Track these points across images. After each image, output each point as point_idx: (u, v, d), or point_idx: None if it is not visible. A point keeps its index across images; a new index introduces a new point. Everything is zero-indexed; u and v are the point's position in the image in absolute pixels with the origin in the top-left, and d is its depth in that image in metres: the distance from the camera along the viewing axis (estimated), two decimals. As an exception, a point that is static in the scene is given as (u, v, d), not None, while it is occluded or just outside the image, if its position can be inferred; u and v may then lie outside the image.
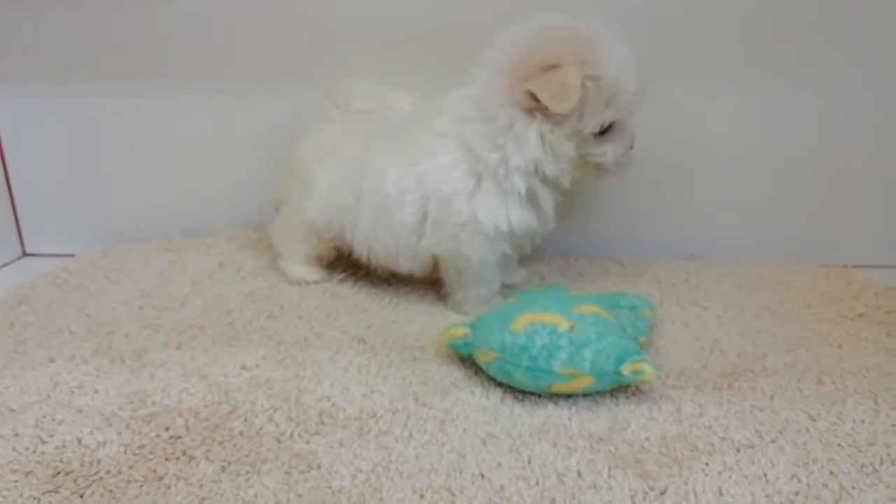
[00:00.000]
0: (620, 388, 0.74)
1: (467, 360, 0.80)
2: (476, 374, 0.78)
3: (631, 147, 0.89)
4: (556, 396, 0.73)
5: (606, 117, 0.83)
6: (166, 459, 0.63)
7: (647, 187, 1.13)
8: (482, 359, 0.75)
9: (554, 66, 0.79)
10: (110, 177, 1.18)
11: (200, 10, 1.09)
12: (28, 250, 1.22)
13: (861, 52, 1.07)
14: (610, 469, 0.62)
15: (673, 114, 1.11)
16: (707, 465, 0.63)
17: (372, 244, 0.93)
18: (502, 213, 0.86)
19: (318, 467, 0.62)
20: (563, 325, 0.72)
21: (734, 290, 1.01)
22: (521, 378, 0.72)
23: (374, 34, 1.09)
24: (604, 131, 0.85)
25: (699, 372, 0.80)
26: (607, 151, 0.86)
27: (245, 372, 0.76)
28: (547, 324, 0.73)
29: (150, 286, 0.97)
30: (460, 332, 0.78)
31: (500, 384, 0.76)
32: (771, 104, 1.10)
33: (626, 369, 0.70)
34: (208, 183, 1.18)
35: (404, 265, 0.94)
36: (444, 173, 0.86)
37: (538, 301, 0.78)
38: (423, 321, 0.91)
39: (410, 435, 0.67)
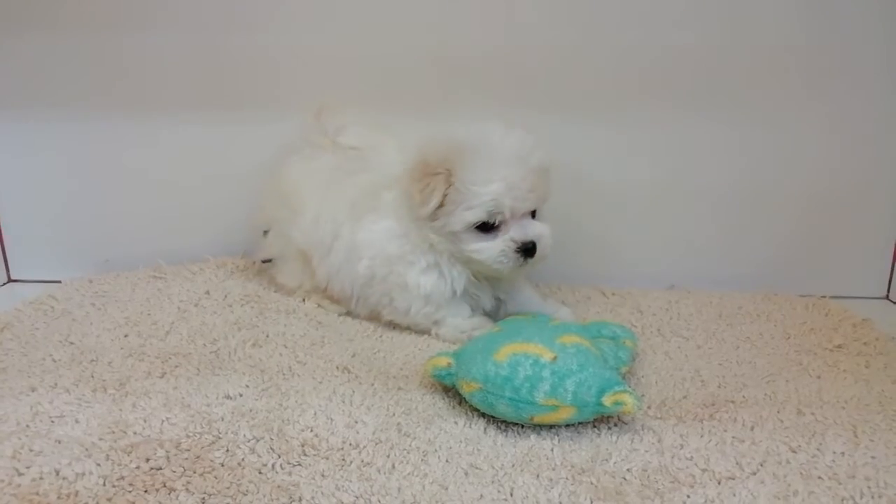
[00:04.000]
0: (602, 419, 0.75)
1: (451, 390, 0.80)
2: (459, 404, 0.78)
3: (523, 248, 0.90)
4: (538, 427, 0.73)
5: (469, 218, 0.89)
6: (146, 491, 0.62)
7: (629, 218, 1.15)
8: (466, 389, 0.76)
9: (428, 174, 0.89)
10: (97, 204, 1.18)
11: (191, 40, 1.10)
12: (13, 276, 1.22)
13: (842, 90, 1.10)
14: (592, 501, 0.63)
15: (654, 147, 1.13)
16: (688, 497, 0.63)
17: (333, 282, 1.00)
18: (430, 281, 0.94)
19: (300, 500, 0.62)
20: (546, 356, 0.73)
21: (714, 321, 1.02)
22: (503, 409, 0.72)
23: (367, 68, 1.11)
24: (487, 229, 0.90)
25: (680, 402, 0.80)
26: (482, 249, 0.90)
27: (228, 401, 0.76)
28: (530, 354, 0.73)
29: (135, 314, 0.97)
30: (444, 361, 0.79)
31: (483, 414, 0.76)
32: (751, 139, 1.12)
33: (607, 400, 0.70)
34: (196, 211, 1.19)
35: (356, 309, 1.01)
36: (389, 236, 0.95)
37: (521, 331, 0.78)
38: (408, 350, 0.91)
39: (393, 466, 0.67)
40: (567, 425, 0.74)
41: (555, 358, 0.73)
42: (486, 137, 0.91)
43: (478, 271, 0.95)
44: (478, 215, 0.89)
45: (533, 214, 0.93)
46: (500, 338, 0.78)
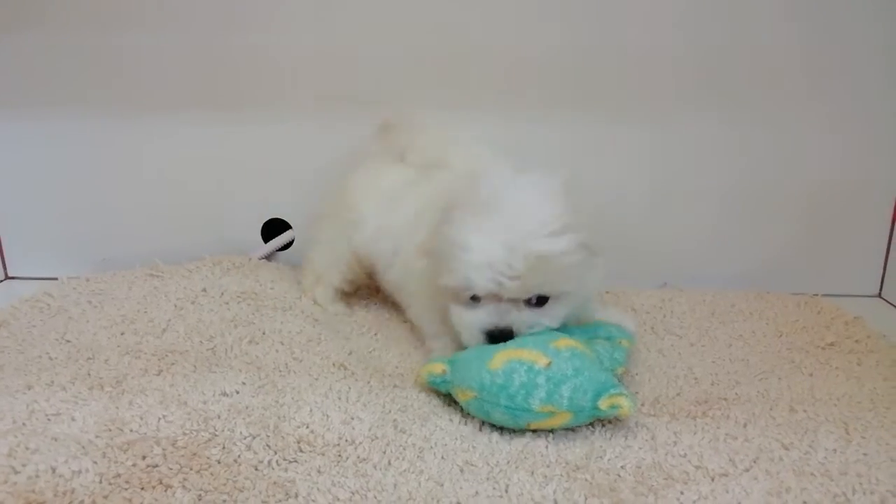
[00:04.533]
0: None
1: (446, 389, 0.81)
2: (455, 401, 0.79)
3: (490, 333, 0.77)
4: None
5: (444, 279, 0.78)
6: (142, 489, 0.62)
7: (623, 217, 1.16)
8: (461, 397, 0.76)
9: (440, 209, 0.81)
10: (95, 202, 1.18)
11: (189, 39, 1.10)
12: (10, 273, 1.22)
13: (835, 90, 1.11)
14: (586, 498, 0.63)
15: (648, 147, 1.14)
16: (682, 493, 0.64)
17: (396, 294, 0.98)
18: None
19: (296, 496, 0.62)
20: (541, 361, 0.72)
21: (707, 319, 1.03)
22: (500, 417, 0.72)
23: (368, 67, 1.11)
24: (473, 297, 0.78)
25: (674, 399, 0.81)
26: (454, 314, 0.80)
27: (224, 398, 0.76)
28: (524, 361, 0.72)
29: (132, 311, 0.96)
30: (438, 368, 0.78)
31: (478, 412, 0.76)
32: (746, 140, 1.13)
33: (603, 404, 0.71)
34: (194, 210, 1.19)
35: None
36: None
37: (517, 340, 0.77)
38: (404, 348, 0.92)
39: (389, 462, 0.67)
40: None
41: (549, 364, 0.72)
42: (498, 190, 0.77)
43: None
44: (449, 282, 0.77)
45: (542, 300, 0.77)
46: (498, 345, 0.77)
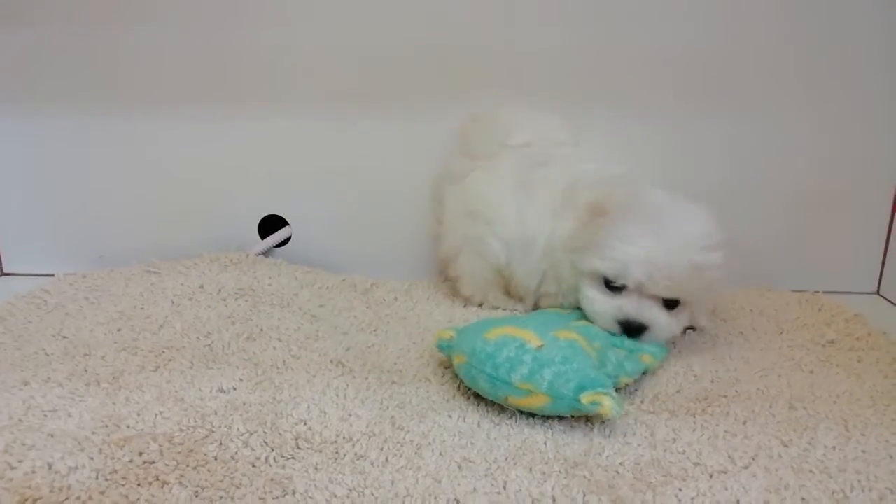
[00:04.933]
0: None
1: (445, 384, 0.81)
2: (453, 397, 0.79)
3: (625, 324, 0.86)
4: (531, 420, 0.74)
5: (595, 265, 0.86)
6: (139, 485, 0.62)
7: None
8: (456, 361, 0.78)
9: (592, 211, 0.89)
10: (92, 199, 1.18)
11: (188, 36, 1.10)
12: (7, 270, 1.21)
13: (833, 86, 1.11)
14: (584, 494, 0.63)
15: (646, 143, 1.13)
16: (680, 490, 0.63)
17: (524, 280, 1.01)
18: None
19: (293, 492, 0.62)
20: (534, 342, 0.74)
21: (708, 315, 1.02)
22: (483, 385, 0.74)
23: (369, 66, 1.10)
24: (613, 287, 0.86)
25: (673, 397, 0.81)
26: (592, 300, 0.87)
27: (222, 395, 0.75)
28: (517, 338, 0.74)
29: (129, 308, 0.96)
30: (447, 334, 0.82)
31: (476, 408, 0.76)
32: (744, 135, 1.13)
33: (585, 398, 0.70)
34: (192, 207, 1.18)
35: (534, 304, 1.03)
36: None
37: (528, 319, 0.81)
38: (402, 344, 0.91)
39: (387, 459, 0.67)
40: (559, 418, 0.74)
41: (541, 346, 0.73)
42: (660, 201, 0.87)
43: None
44: (602, 268, 0.85)
45: (674, 303, 0.86)
46: (503, 321, 0.80)
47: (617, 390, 0.76)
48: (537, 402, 0.72)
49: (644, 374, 0.84)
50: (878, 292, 1.20)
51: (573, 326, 0.83)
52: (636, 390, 0.82)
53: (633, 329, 0.85)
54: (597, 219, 0.88)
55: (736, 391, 0.82)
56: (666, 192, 0.89)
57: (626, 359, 0.82)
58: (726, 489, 0.63)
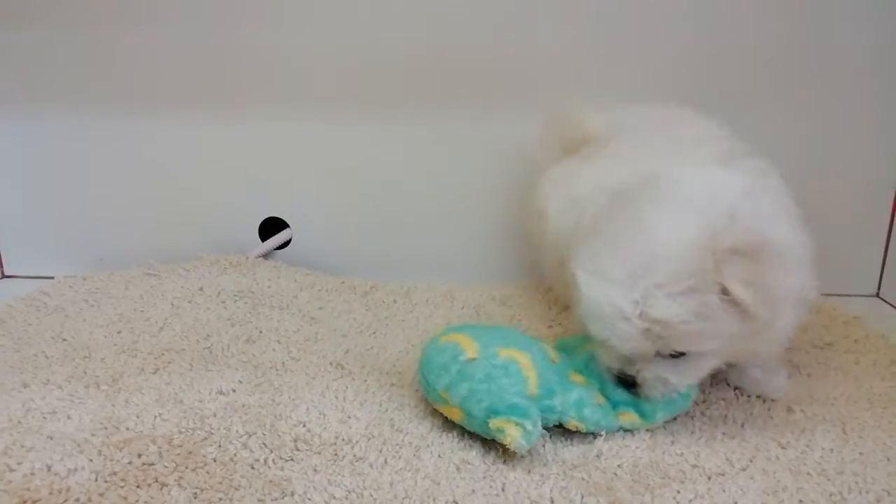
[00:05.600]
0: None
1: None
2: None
3: (619, 375, 0.71)
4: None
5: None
6: (138, 487, 0.62)
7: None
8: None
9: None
10: (93, 201, 1.18)
11: (187, 36, 1.10)
12: (7, 272, 1.21)
13: (832, 88, 1.11)
14: (583, 497, 0.63)
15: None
16: (678, 492, 0.64)
17: None
18: None
19: (292, 494, 0.62)
20: (469, 354, 0.71)
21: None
22: (422, 386, 0.74)
23: (363, 60, 1.10)
24: None
25: (672, 399, 0.81)
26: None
27: (221, 397, 0.76)
28: (459, 347, 0.72)
29: (129, 310, 0.96)
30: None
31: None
32: (741, 138, 1.12)
33: (492, 423, 0.67)
34: (192, 209, 1.18)
35: None
36: None
37: (487, 332, 0.76)
38: (402, 346, 0.92)
39: (385, 461, 0.67)
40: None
41: (472, 359, 0.70)
42: (640, 222, 0.66)
43: None
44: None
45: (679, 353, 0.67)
46: (466, 328, 0.77)
47: (560, 426, 0.71)
48: (455, 415, 0.71)
49: (625, 431, 0.73)
50: (878, 295, 1.19)
51: (558, 347, 0.77)
52: (544, 435, 0.72)
53: (625, 382, 0.71)
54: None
55: (734, 394, 0.82)
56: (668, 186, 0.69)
57: (600, 408, 0.71)
58: (724, 491, 0.64)
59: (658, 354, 0.67)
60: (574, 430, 0.71)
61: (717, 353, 0.68)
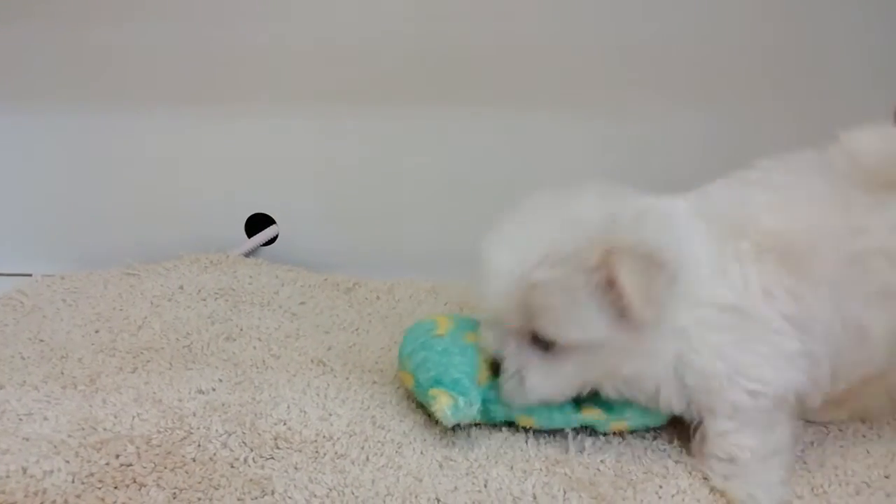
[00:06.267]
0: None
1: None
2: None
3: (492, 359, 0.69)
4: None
5: None
6: (115, 488, 0.62)
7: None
8: None
9: None
10: (71, 197, 1.16)
11: (168, 31, 1.08)
12: (-16, 270, 1.20)
13: (819, 83, 1.11)
14: (565, 492, 0.63)
15: (635, 142, 1.13)
16: (661, 487, 0.64)
17: None
18: None
19: (272, 493, 0.62)
20: (441, 329, 0.74)
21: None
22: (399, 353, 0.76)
23: (350, 55, 1.09)
24: None
25: (655, 394, 0.81)
26: None
27: (200, 396, 0.75)
28: (434, 323, 0.75)
29: (107, 309, 0.95)
30: None
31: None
32: (727, 134, 1.13)
33: (431, 391, 0.68)
34: (174, 205, 1.17)
35: None
36: None
37: (465, 321, 0.76)
38: (384, 344, 0.91)
39: (367, 458, 0.67)
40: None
41: (441, 335, 0.73)
42: (541, 205, 0.69)
43: None
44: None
45: (548, 344, 0.64)
46: (454, 315, 0.79)
47: (511, 424, 0.71)
48: (407, 381, 0.73)
49: (591, 429, 0.71)
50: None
51: None
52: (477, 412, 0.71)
53: (494, 366, 0.68)
54: None
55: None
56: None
57: (556, 405, 0.69)
58: (706, 486, 0.64)
59: (529, 340, 0.65)
60: (527, 426, 0.70)
61: (584, 360, 0.64)
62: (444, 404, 0.66)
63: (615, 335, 0.62)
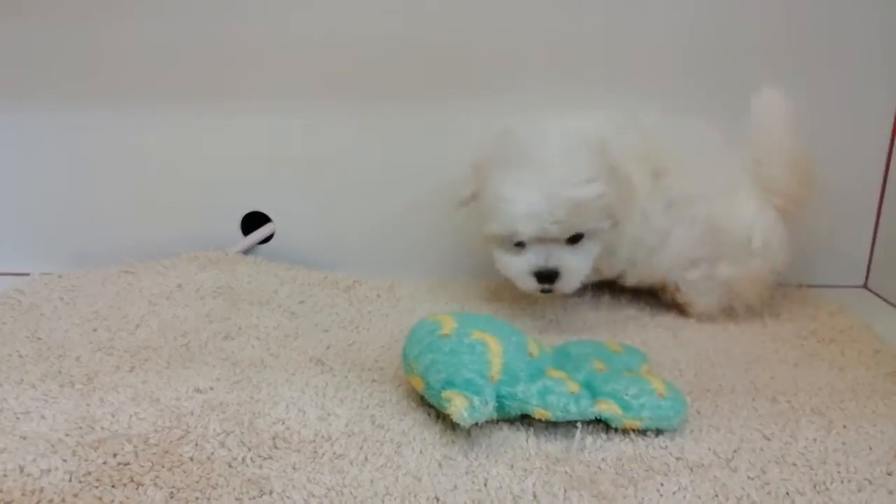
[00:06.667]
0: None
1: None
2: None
3: (540, 273, 0.88)
4: (511, 418, 0.72)
5: (490, 229, 0.89)
6: (113, 487, 0.61)
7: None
8: None
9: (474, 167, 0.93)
10: (68, 196, 1.16)
11: (163, 26, 1.08)
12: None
13: (821, 78, 1.10)
14: (566, 490, 0.62)
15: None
16: (662, 485, 0.63)
17: None
18: None
19: (270, 492, 0.61)
20: (444, 330, 0.73)
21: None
22: (402, 357, 0.76)
23: (348, 52, 1.09)
24: (519, 244, 0.89)
25: (656, 391, 0.80)
26: (507, 264, 0.91)
27: (198, 395, 0.74)
28: (437, 323, 0.74)
29: (105, 308, 0.95)
30: None
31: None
32: (729, 126, 1.12)
33: (444, 393, 0.68)
34: (171, 203, 1.16)
35: None
36: None
37: (471, 316, 0.78)
38: (384, 342, 0.90)
39: (366, 458, 0.66)
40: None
41: (447, 335, 0.72)
42: (531, 146, 0.88)
43: None
44: (495, 230, 0.88)
45: (577, 238, 0.88)
46: (454, 313, 0.78)
47: (511, 422, 0.71)
48: (417, 384, 0.72)
49: (606, 423, 0.71)
50: (865, 286, 1.19)
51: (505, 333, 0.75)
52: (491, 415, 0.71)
53: (548, 276, 0.87)
54: (480, 177, 0.90)
55: (720, 385, 0.82)
56: (536, 126, 0.90)
57: (570, 395, 0.69)
58: (708, 483, 0.63)
59: (563, 242, 0.88)
60: (543, 419, 0.69)
61: (599, 235, 0.89)
62: (459, 406, 0.65)
63: (621, 206, 0.90)
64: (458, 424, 0.68)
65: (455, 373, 0.68)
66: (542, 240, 0.87)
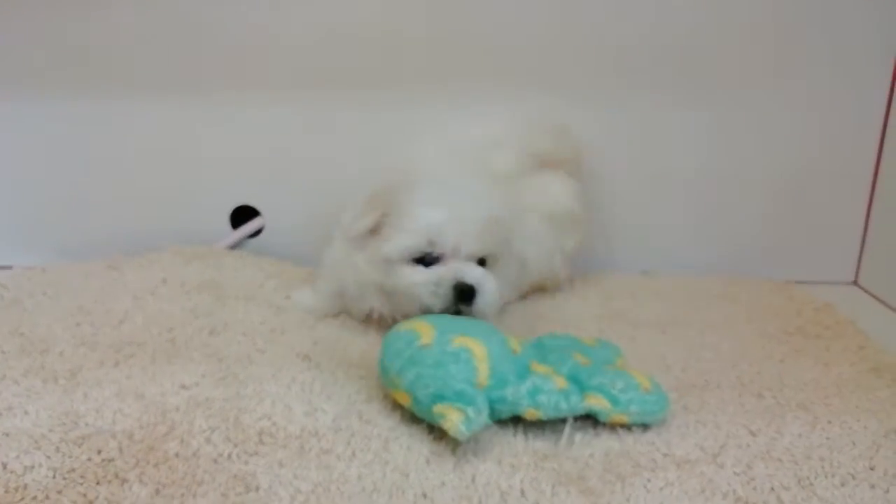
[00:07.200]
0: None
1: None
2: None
3: (458, 288, 0.82)
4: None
5: (406, 242, 0.85)
6: (97, 483, 0.60)
7: (597, 202, 1.15)
8: None
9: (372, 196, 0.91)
10: (52, 188, 1.15)
11: (150, 18, 1.07)
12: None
13: (811, 74, 1.11)
14: (553, 486, 0.62)
15: (622, 130, 1.13)
16: (649, 480, 0.63)
17: None
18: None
19: (256, 489, 0.61)
20: (424, 340, 0.71)
21: (681, 305, 1.03)
22: (380, 370, 0.74)
23: (338, 45, 1.08)
24: (425, 263, 0.85)
25: (644, 387, 0.81)
26: (417, 278, 0.84)
27: (183, 391, 0.74)
28: (415, 332, 0.72)
29: (89, 302, 0.94)
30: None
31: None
32: (718, 123, 1.13)
33: (436, 408, 0.66)
34: (158, 196, 1.15)
35: None
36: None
37: (444, 320, 0.76)
38: (371, 338, 0.90)
39: (353, 454, 0.66)
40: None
41: (427, 345, 0.70)
42: (443, 182, 0.90)
43: (398, 310, 0.88)
44: (415, 240, 0.84)
45: (482, 263, 0.87)
46: (429, 317, 0.77)
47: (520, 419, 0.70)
48: (403, 400, 0.70)
49: (594, 418, 0.71)
50: (855, 282, 1.20)
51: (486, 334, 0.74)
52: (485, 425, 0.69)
53: (464, 293, 0.82)
54: (385, 203, 0.87)
55: (706, 381, 0.82)
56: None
57: (560, 392, 0.69)
58: (694, 479, 0.63)
59: (476, 263, 0.86)
60: (534, 419, 0.69)
61: (501, 263, 0.90)
62: (455, 420, 0.64)
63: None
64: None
65: (444, 385, 0.66)
66: (455, 257, 0.84)
